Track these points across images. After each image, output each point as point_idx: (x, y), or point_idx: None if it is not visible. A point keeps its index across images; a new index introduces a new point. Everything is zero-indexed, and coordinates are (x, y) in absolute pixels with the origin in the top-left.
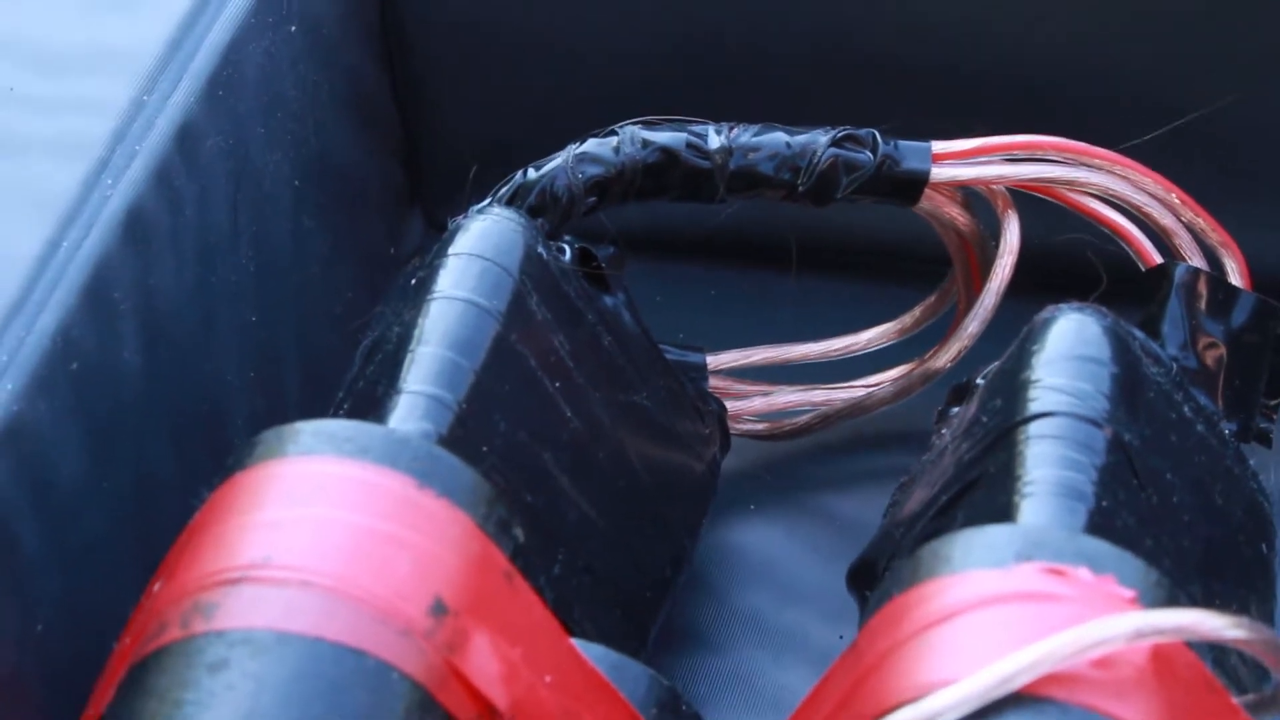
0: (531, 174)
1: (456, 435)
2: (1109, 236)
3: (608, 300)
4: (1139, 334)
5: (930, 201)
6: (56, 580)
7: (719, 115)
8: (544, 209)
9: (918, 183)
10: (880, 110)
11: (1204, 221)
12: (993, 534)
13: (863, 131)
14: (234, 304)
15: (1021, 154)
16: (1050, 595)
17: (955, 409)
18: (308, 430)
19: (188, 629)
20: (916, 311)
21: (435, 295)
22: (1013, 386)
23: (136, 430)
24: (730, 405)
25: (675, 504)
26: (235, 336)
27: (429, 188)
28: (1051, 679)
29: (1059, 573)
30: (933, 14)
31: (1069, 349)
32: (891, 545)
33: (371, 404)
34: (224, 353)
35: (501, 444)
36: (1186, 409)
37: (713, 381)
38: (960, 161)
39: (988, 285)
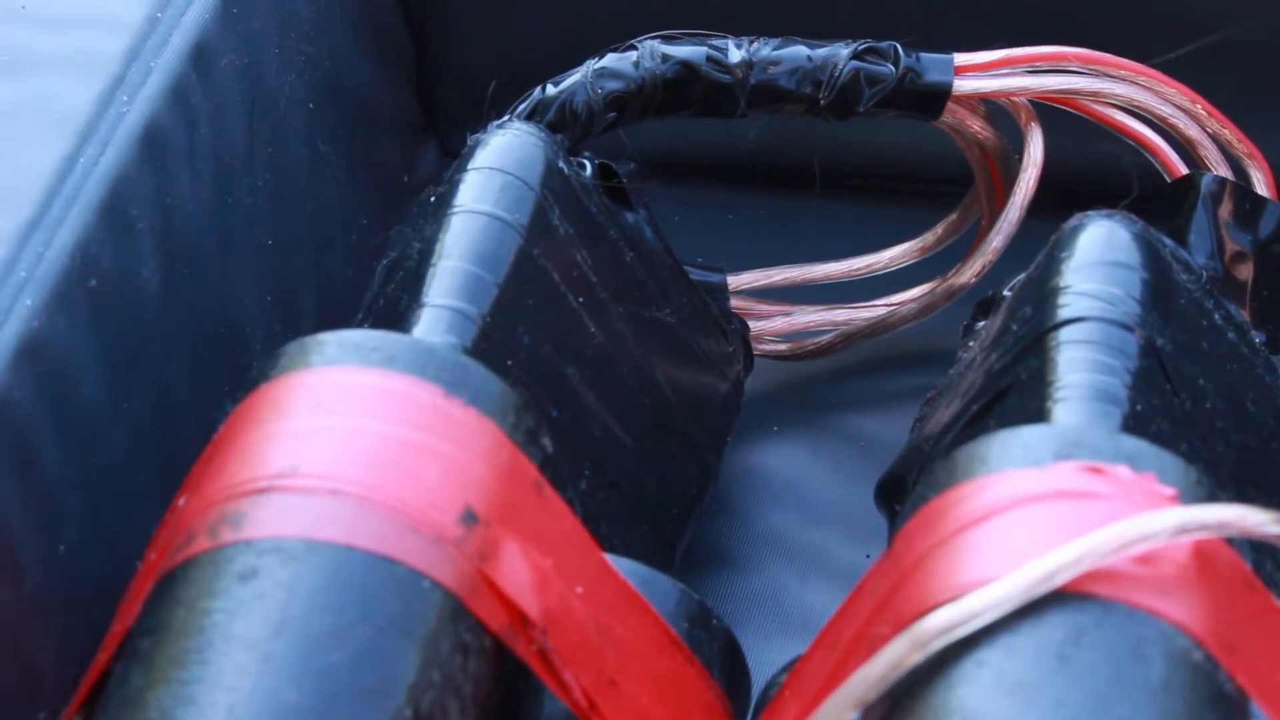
0: (550, 90)
1: (481, 348)
2: (1134, 149)
3: (629, 216)
4: (1168, 241)
5: (952, 115)
6: (78, 499)
7: (739, 31)
8: (563, 124)
9: (940, 95)
10: (902, 22)
11: (1230, 132)
12: (1029, 434)
13: (884, 44)
14: (250, 226)
15: (1045, 66)
16: (1089, 493)
17: (981, 323)
18: (332, 340)
19: (216, 539)
20: (939, 229)
21: (456, 209)
22: (1042, 294)
23: (155, 350)
24: (751, 325)
25: (700, 421)
26: (251, 259)
27: (444, 115)
28: (1093, 576)
29: (1098, 471)
30: None
31: (1099, 254)
32: (921, 458)
33: (394, 319)
34: (241, 275)
35: (526, 357)
36: (1217, 316)
37: (734, 302)
38: (983, 74)
39: (1011, 199)
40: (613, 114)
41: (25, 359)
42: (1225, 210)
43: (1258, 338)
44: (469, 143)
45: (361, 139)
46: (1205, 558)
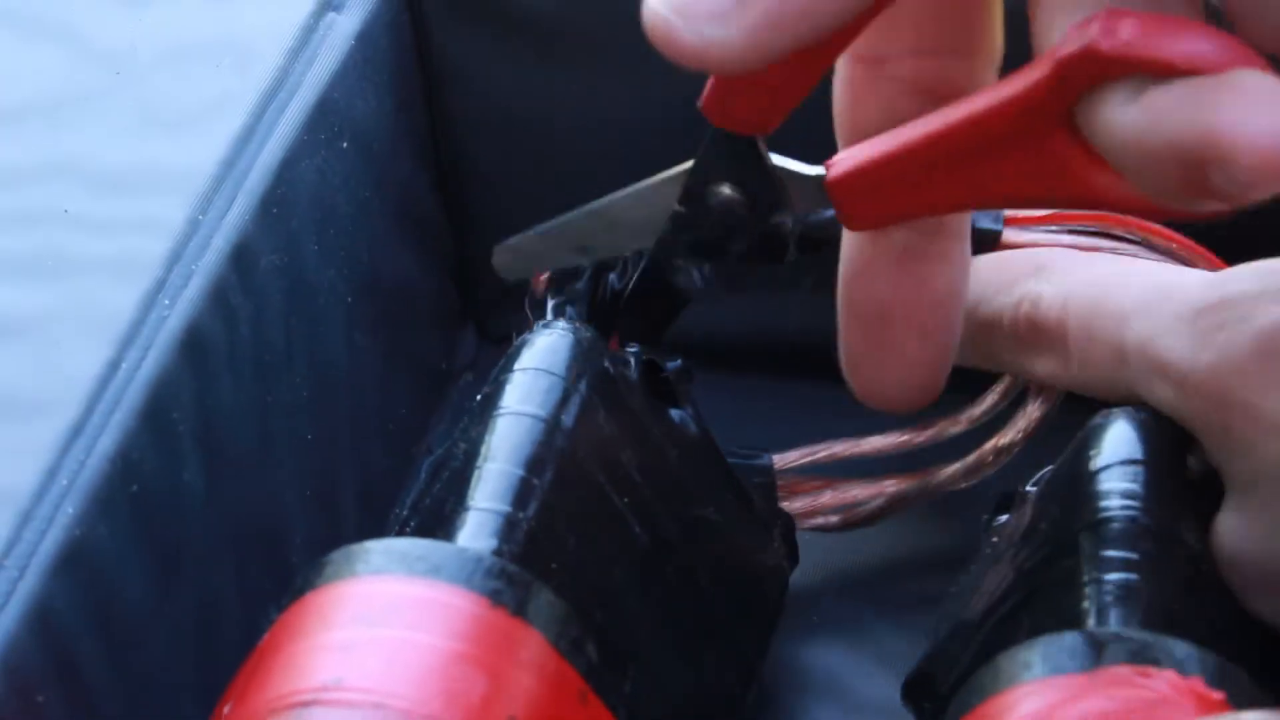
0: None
1: (527, 553)
2: None
3: (674, 414)
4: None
5: None
6: (119, 705)
7: None
8: (612, 263)
9: (988, 242)
10: None
11: None
12: (1073, 639)
13: None
14: (290, 422)
15: (1090, 226)
16: (1140, 697)
17: (1002, 518)
18: (378, 549)
19: None
20: (988, 400)
21: (502, 411)
22: (1071, 492)
23: (196, 551)
24: (799, 502)
25: (743, 620)
26: (292, 455)
27: (481, 301)
28: None
29: (1146, 675)
30: None
31: (1126, 453)
32: (951, 658)
33: (439, 521)
34: (281, 472)
35: (571, 560)
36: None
37: (780, 482)
38: (1031, 228)
39: None
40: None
41: (67, 567)
42: None
43: None
44: (515, 342)
45: (400, 329)
46: None
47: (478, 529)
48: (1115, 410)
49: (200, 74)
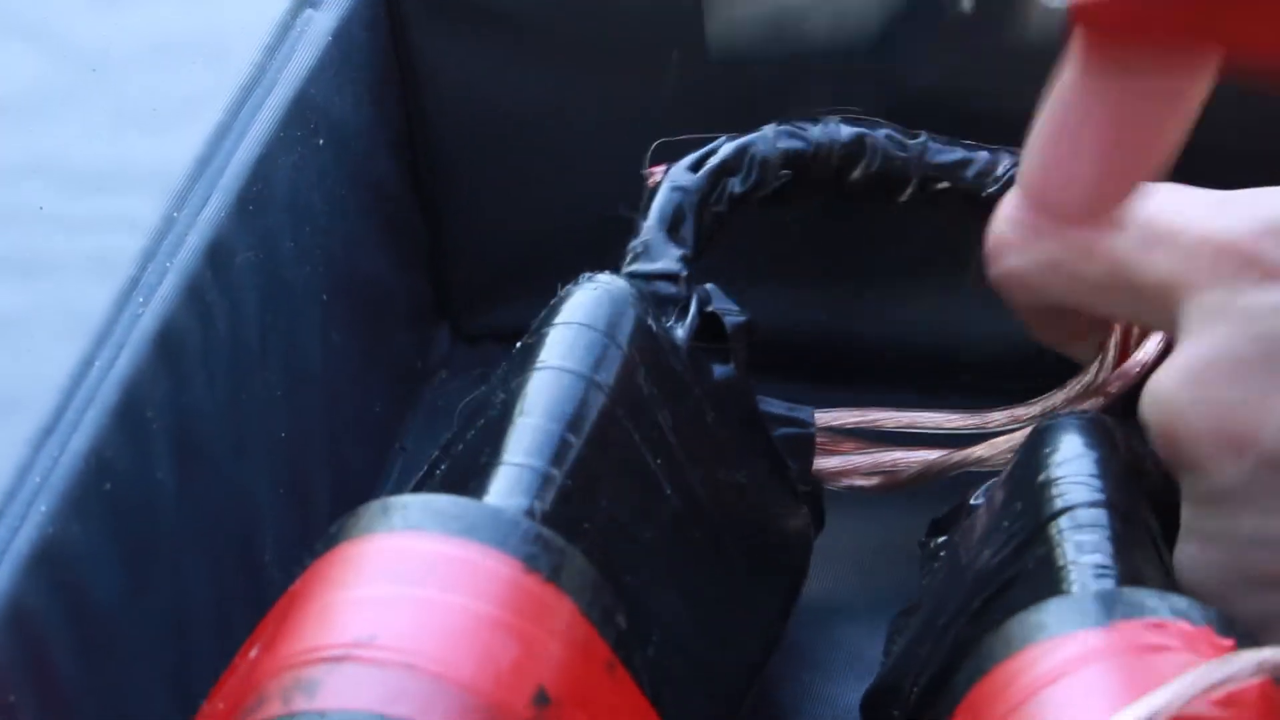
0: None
1: (559, 511)
2: None
3: (718, 371)
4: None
5: None
6: (92, 703)
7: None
8: (738, 168)
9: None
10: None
11: None
12: (1085, 599)
13: None
14: (264, 420)
15: None
16: (1159, 646)
17: (940, 539)
18: (415, 504)
19: (289, 706)
20: (1058, 395)
21: (542, 365)
22: (1032, 489)
23: (170, 548)
24: (834, 460)
25: (767, 586)
26: (265, 452)
27: (457, 300)
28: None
29: (1161, 626)
30: None
31: (1082, 448)
32: (917, 663)
33: (474, 472)
34: (255, 470)
35: (603, 520)
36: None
37: (820, 439)
38: None
39: (1135, 355)
40: (787, 172)
41: (39, 565)
42: None
43: None
44: (559, 293)
45: (375, 327)
46: (1268, 698)
47: (513, 484)
48: (1061, 416)
49: (176, 71)
